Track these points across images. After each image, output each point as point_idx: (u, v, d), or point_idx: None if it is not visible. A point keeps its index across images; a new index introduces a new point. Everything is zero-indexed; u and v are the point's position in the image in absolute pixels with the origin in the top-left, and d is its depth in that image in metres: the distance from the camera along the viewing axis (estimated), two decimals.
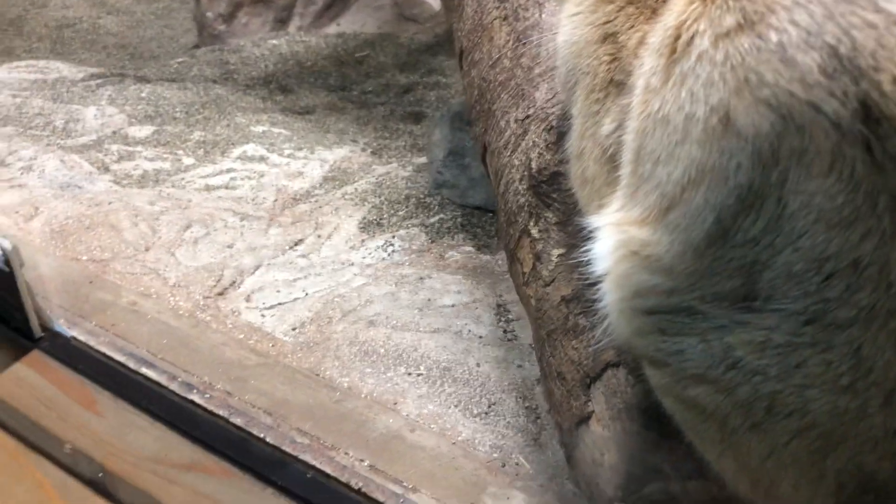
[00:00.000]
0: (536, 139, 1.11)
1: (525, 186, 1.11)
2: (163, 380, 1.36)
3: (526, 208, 1.11)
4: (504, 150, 1.17)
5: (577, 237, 0.89)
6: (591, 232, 0.84)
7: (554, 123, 1.08)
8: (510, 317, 1.55)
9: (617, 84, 0.85)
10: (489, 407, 1.34)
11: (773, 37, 0.65)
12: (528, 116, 1.14)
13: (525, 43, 1.20)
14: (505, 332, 1.52)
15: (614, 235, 0.79)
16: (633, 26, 0.85)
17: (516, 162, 1.14)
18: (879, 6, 0.63)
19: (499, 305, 1.58)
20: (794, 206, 0.66)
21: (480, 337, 1.50)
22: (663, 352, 0.79)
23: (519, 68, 1.20)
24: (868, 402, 0.70)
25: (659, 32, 0.75)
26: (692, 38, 0.70)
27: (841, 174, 0.64)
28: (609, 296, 0.81)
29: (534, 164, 1.10)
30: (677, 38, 0.71)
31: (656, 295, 0.77)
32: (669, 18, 0.74)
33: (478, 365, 1.43)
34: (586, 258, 0.85)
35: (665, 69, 0.72)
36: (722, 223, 0.70)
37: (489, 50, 1.27)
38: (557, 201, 1.07)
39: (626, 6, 0.87)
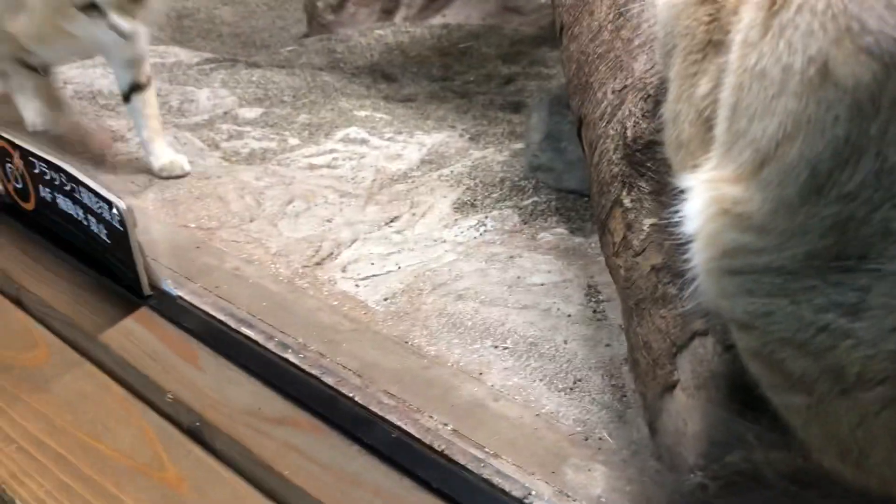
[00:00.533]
0: (633, 108, 1.10)
1: (619, 156, 1.11)
2: (260, 339, 1.42)
3: (619, 178, 1.10)
4: (599, 121, 1.17)
5: (669, 199, 0.88)
6: (683, 192, 0.83)
7: (651, 92, 1.08)
8: (601, 297, 1.54)
9: (715, 44, 0.84)
10: (574, 383, 1.34)
11: None
12: (625, 87, 1.14)
13: (625, 15, 1.20)
14: (595, 311, 1.51)
15: (706, 193, 0.78)
16: None
17: (611, 132, 1.14)
18: None
19: (589, 286, 1.58)
20: (894, 159, 0.64)
21: (569, 315, 1.50)
22: (751, 314, 0.78)
23: (618, 40, 1.20)
24: None
25: None
26: None
27: None
28: (698, 256, 0.81)
29: (629, 133, 1.09)
30: None
31: (746, 254, 0.76)
32: None
33: (565, 342, 1.43)
34: (677, 219, 0.84)
35: (764, 22, 0.71)
36: (817, 178, 0.68)
37: (589, 24, 1.27)
38: (651, 170, 1.06)
39: None
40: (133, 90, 2.03)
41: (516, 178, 2.05)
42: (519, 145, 2.27)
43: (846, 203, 0.68)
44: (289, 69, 2.99)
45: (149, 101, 2.04)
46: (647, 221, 1.05)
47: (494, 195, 1.98)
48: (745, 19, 0.75)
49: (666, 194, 0.97)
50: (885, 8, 0.62)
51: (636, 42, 1.14)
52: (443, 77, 3.07)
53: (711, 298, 0.82)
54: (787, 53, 0.68)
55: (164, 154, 2.06)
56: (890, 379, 0.72)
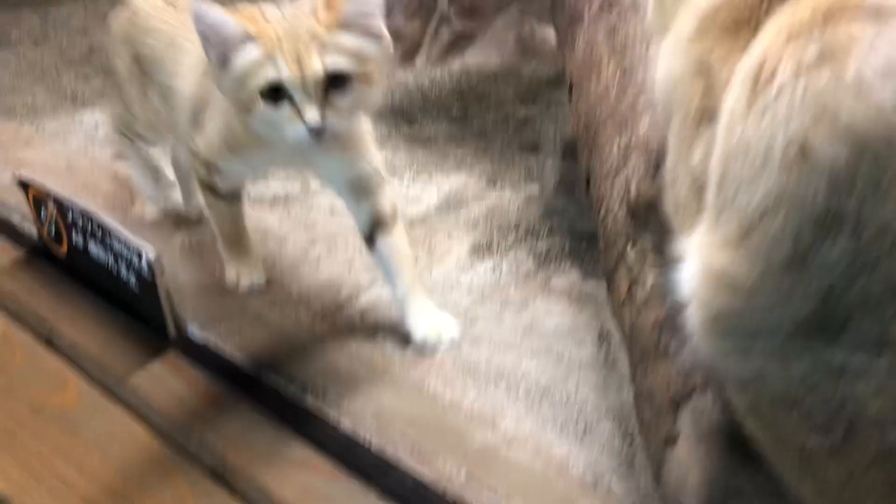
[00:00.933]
0: (637, 167, 1.15)
1: (624, 212, 1.15)
2: (281, 383, 1.47)
3: (624, 233, 1.15)
4: (606, 178, 1.22)
5: (668, 261, 0.93)
6: (679, 255, 0.88)
7: (653, 153, 1.13)
8: (612, 343, 1.58)
9: (709, 115, 0.89)
10: (585, 429, 1.38)
11: (851, 70, 0.68)
12: (629, 146, 1.19)
13: (630, 77, 1.26)
14: (606, 357, 1.55)
15: (699, 259, 0.83)
16: (725, 60, 0.89)
17: (617, 189, 1.19)
18: None
19: (601, 331, 1.61)
20: (871, 232, 0.69)
21: (581, 362, 1.54)
22: (744, 374, 0.82)
23: (624, 101, 1.25)
24: None
25: (745, 62, 0.79)
26: (775, 70, 0.74)
27: None
28: (694, 317, 0.85)
29: (633, 191, 1.14)
30: (761, 70, 0.75)
31: (737, 318, 0.80)
32: (756, 49, 0.78)
33: (577, 388, 1.47)
34: (675, 280, 0.89)
35: (749, 98, 0.76)
36: (799, 249, 0.73)
37: (596, 83, 1.33)
38: (654, 227, 1.11)
39: (722, 40, 0.91)
40: (375, 228, 1.59)
41: (531, 222, 2.09)
42: (535, 188, 2.32)
43: (828, 273, 0.72)
44: None
45: (397, 244, 1.60)
46: (651, 276, 1.09)
47: (510, 238, 2.02)
48: (732, 95, 0.80)
49: (667, 252, 1.01)
50: (856, 95, 0.67)
51: (640, 103, 1.20)
52: (462, 118, 3.14)
53: (708, 357, 0.86)
54: (770, 131, 0.73)
55: (425, 319, 1.57)
56: (875, 438, 0.75)
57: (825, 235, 0.71)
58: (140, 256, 1.56)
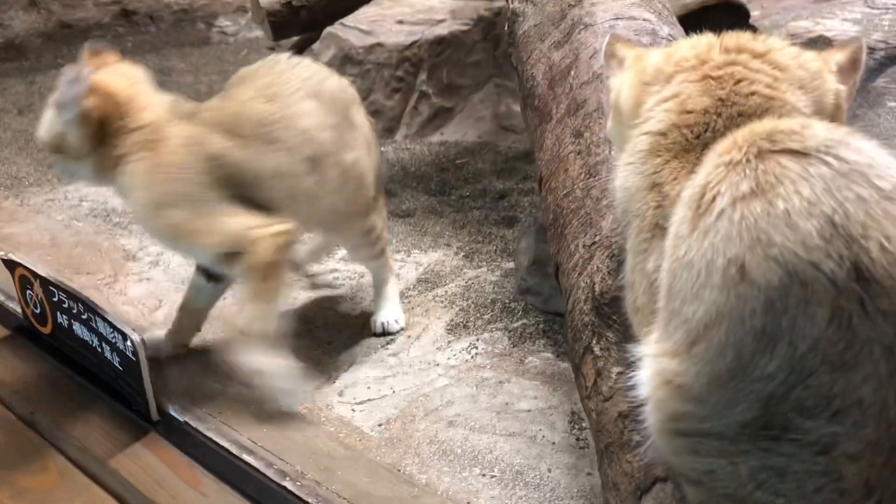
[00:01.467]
0: (600, 265, 1.22)
1: (589, 307, 1.22)
2: (261, 466, 1.51)
3: (590, 327, 1.22)
4: (572, 271, 1.29)
5: (628, 362, 0.99)
6: (636, 359, 0.94)
7: (615, 251, 1.20)
8: (583, 425, 1.63)
9: (661, 227, 0.96)
10: None
11: (781, 204, 0.76)
12: (594, 243, 1.27)
13: (595, 176, 1.34)
14: (578, 439, 1.60)
15: (651, 365, 0.89)
16: (675, 178, 0.97)
17: (582, 284, 1.25)
18: (872, 182, 0.74)
19: (573, 413, 1.67)
20: (803, 348, 0.75)
21: (553, 443, 1.59)
22: (697, 471, 0.88)
23: (589, 199, 1.33)
24: None
25: (689, 188, 0.87)
26: (715, 197, 0.81)
27: (840, 324, 0.73)
28: (650, 418, 0.91)
29: (597, 288, 1.21)
30: (703, 195, 0.83)
31: (688, 420, 0.86)
32: (699, 177, 0.86)
33: (549, 470, 1.51)
34: (633, 382, 0.95)
35: (692, 220, 0.84)
36: (741, 359, 0.79)
37: (564, 180, 1.41)
38: (617, 323, 1.17)
39: (670, 160, 0.99)
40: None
41: (507, 300, 2.16)
42: (510, 264, 2.39)
43: (767, 382, 0.78)
44: None
45: None
46: (615, 370, 1.15)
47: (486, 316, 2.09)
48: (678, 214, 0.88)
49: (625, 349, 1.08)
50: (785, 226, 0.75)
51: (604, 202, 1.28)
52: (440, 191, 3.23)
53: (664, 454, 0.92)
54: (710, 251, 0.80)
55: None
56: None
57: (763, 350, 0.78)
58: (125, 339, 1.60)
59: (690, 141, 0.97)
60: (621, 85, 1.11)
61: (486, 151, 3.54)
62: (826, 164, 0.77)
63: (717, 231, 0.80)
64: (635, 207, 1.02)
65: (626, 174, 1.04)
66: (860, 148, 0.79)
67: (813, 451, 0.78)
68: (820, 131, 0.81)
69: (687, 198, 0.87)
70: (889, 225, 0.73)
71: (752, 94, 0.96)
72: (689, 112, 0.99)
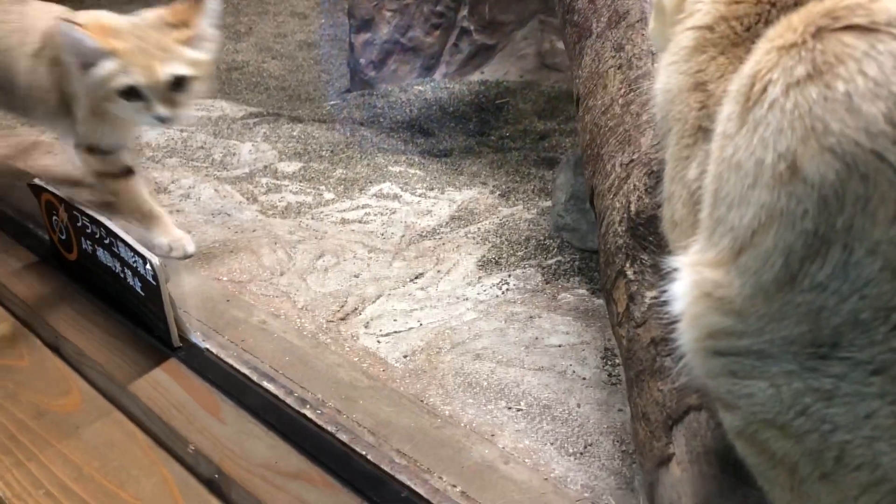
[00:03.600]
0: (637, 183, 1.14)
1: (624, 228, 1.14)
2: (280, 394, 1.46)
3: (623, 249, 1.13)
4: (608, 192, 1.21)
5: (664, 278, 0.91)
6: (672, 272, 0.86)
7: (654, 168, 1.11)
8: (616, 361, 1.56)
9: (704, 130, 0.87)
10: (585, 447, 1.36)
11: (841, 86, 0.66)
12: (632, 161, 1.17)
13: (636, 91, 1.24)
14: (609, 375, 1.53)
15: (690, 276, 0.81)
16: (722, 75, 0.87)
17: (617, 204, 1.17)
18: None
19: (606, 349, 1.59)
20: (860, 253, 0.67)
21: (584, 378, 1.52)
22: (734, 394, 0.80)
23: (628, 115, 1.23)
24: None
25: (737, 80, 0.78)
26: (766, 86, 0.72)
27: None
28: (684, 335, 0.83)
29: (633, 207, 1.13)
30: (752, 86, 0.74)
31: (727, 337, 0.78)
32: (747, 67, 0.76)
33: (578, 405, 1.45)
34: (667, 297, 0.87)
35: (740, 116, 0.75)
36: (790, 268, 0.71)
37: (602, 97, 1.31)
38: (653, 244, 1.09)
39: (717, 56, 0.89)
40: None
41: (542, 237, 2.08)
42: (548, 203, 2.30)
43: (818, 293, 0.70)
44: (329, 123, 3.09)
45: None
46: (649, 294, 1.07)
47: (519, 253, 2.01)
48: (725, 111, 0.78)
49: (663, 269, 0.99)
50: (845, 111, 0.65)
51: (644, 117, 1.18)
52: (479, 132, 3.14)
53: (698, 376, 0.84)
54: (760, 148, 0.71)
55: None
56: (866, 465, 0.73)
57: (815, 256, 0.69)
58: (145, 262, 1.56)
59: (740, 34, 0.88)
60: None
61: (528, 91, 3.43)
62: None
63: (767, 124, 0.71)
64: (676, 111, 0.92)
65: (667, 75, 0.95)
66: None
67: (867, 371, 0.70)
68: (892, 4, 0.70)
69: (734, 91, 0.77)
70: None
71: None
72: (739, 2, 0.89)
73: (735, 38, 0.88)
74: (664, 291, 0.87)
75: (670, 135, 0.95)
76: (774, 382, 0.76)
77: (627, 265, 1.12)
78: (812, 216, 0.68)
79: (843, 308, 0.69)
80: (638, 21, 1.31)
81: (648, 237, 1.09)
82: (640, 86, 1.23)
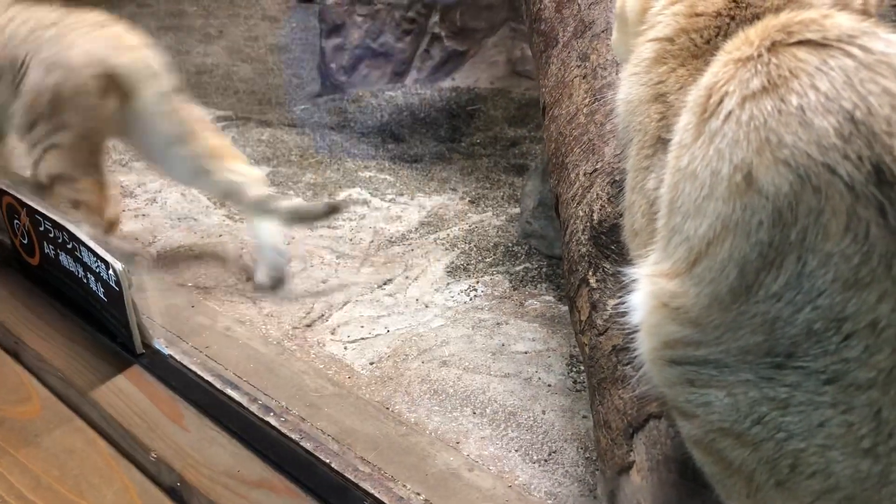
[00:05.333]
0: (600, 192, 1.14)
1: (587, 237, 1.14)
2: (244, 401, 1.45)
3: (586, 258, 1.14)
4: (572, 201, 1.21)
5: (622, 285, 0.92)
6: (631, 282, 0.86)
7: (617, 177, 1.12)
8: (581, 368, 1.56)
9: (664, 141, 0.88)
10: (549, 455, 1.36)
11: (794, 100, 0.67)
12: (595, 170, 1.18)
13: (600, 100, 1.25)
14: (575, 382, 1.53)
15: (648, 286, 0.81)
16: (682, 87, 0.88)
17: (581, 213, 1.17)
18: None
19: (571, 356, 1.60)
20: (813, 264, 0.67)
21: (549, 385, 1.52)
22: (692, 403, 0.81)
23: (592, 124, 1.24)
24: (890, 467, 0.70)
25: (694, 92, 0.79)
26: (722, 98, 0.73)
27: (856, 236, 0.65)
28: (643, 345, 0.84)
29: (595, 216, 1.13)
30: (709, 97, 0.74)
31: (684, 346, 0.78)
32: (705, 79, 0.77)
33: (543, 412, 1.45)
34: (626, 307, 0.87)
35: (696, 126, 0.75)
36: (745, 278, 0.71)
37: (568, 106, 1.32)
38: (615, 253, 1.10)
39: (677, 68, 0.90)
40: None
41: (510, 244, 2.08)
42: (517, 210, 2.31)
43: (773, 303, 0.70)
44: (299, 128, 3.08)
45: None
46: (611, 302, 1.08)
47: (487, 260, 2.02)
48: (682, 122, 0.79)
49: (623, 278, 1.00)
50: (798, 124, 0.66)
51: (608, 127, 1.19)
52: (450, 138, 3.14)
53: (657, 385, 0.85)
54: (716, 159, 0.72)
55: None
56: (820, 473, 0.74)
57: (769, 266, 0.70)
58: (108, 268, 1.54)
59: (700, 46, 0.89)
60: None
61: (499, 98, 3.44)
62: (848, 54, 0.68)
63: (723, 135, 0.72)
64: (637, 121, 0.93)
65: (628, 86, 0.95)
66: (889, 39, 0.70)
67: (820, 380, 0.70)
68: (843, 21, 0.72)
69: (692, 102, 0.78)
70: None
71: None
72: (699, 15, 0.90)
73: (695, 50, 0.89)
74: (623, 301, 0.88)
75: (631, 145, 0.96)
76: (731, 391, 0.77)
77: (590, 273, 1.12)
78: (767, 227, 0.69)
79: (797, 318, 0.70)
80: (603, 31, 1.32)
81: (611, 246, 1.10)
82: (605, 95, 1.24)
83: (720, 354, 0.76)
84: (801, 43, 0.70)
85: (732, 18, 0.88)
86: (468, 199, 2.44)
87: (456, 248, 2.07)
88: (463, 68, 3.52)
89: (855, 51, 0.68)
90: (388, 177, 2.59)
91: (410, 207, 2.35)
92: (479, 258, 2.01)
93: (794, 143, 0.66)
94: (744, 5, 0.88)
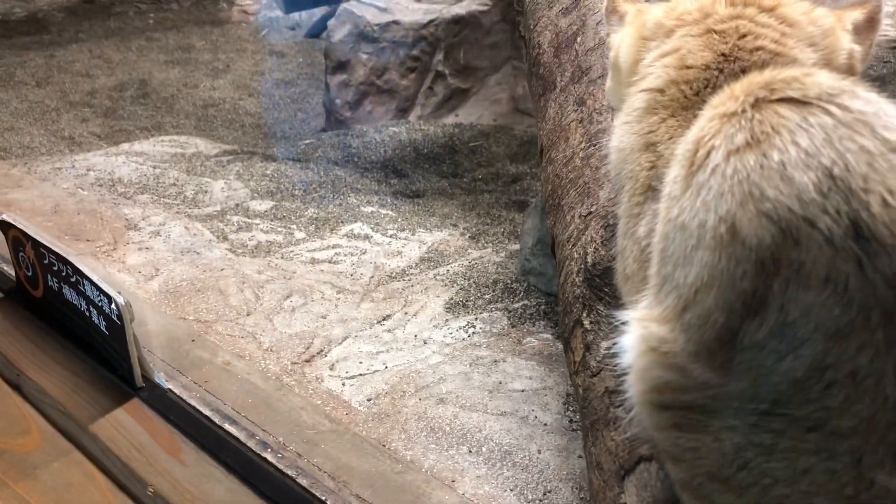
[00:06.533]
0: (594, 235, 1.16)
1: (581, 279, 1.16)
2: (242, 436, 1.46)
3: (581, 299, 1.16)
4: (567, 243, 1.23)
5: (615, 329, 0.93)
6: (622, 325, 0.88)
7: (611, 221, 1.14)
8: (577, 407, 1.57)
9: (654, 189, 0.90)
10: (544, 494, 1.37)
11: (776, 156, 0.69)
12: (590, 213, 1.21)
13: (596, 145, 1.28)
14: (570, 421, 1.54)
15: (638, 330, 0.83)
16: (671, 137, 0.91)
17: (576, 255, 1.19)
18: (878, 133, 0.67)
19: (567, 395, 1.61)
20: (795, 314, 0.69)
21: (545, 424, 1.53)
22: (679, 447, 0.82)
23: (588, 168, 1.27)
24: None
25: (683, 145, 0.81)
26: (709, 152, 0.75)
27: (836, 287, 0.67)
28: (632, 388, 0.85)
29: (590, 259, 1.15)
30: (696, 151, 0.77)
31: (672, 391, 0.80)
32: (692, 132, 0.80)
33: (539, 452, 1.46)
34: (617, 350, 0.89)
35: (685, 179, 0.78)
36: (730, 326, 0.73)
37: (564, 149, 1.35)
38: (609, 295, 1.11)
39: (667, 118, 0.93)
40: None
41: (510, 280, 2.10)
42: (516, 246, 2.33)
43: (757, 351, 0.72)
44: (303, 162, 3.11)
45: None
46: (604, 344, 1.09)
47: (487, 296, 2.03)
48: (672, 174, 0.82)
49: (615, 322, 1.02)
50: (780, 179, 0.68)
51: (603, 171, 1.21)
52: (453, 174, 3.18)
53: (646, 428, 0.86)
54: (703, 210, 0.74)
55: None
56: None
57: (753, 315, 0.71)
58: (111, 302, 1.56)
59: (689, 98, 0.91)
60: (621, 41, 1.05)
61: (501, 135, 3.49)
62: (828, 113, 0.70)
63: (709, 188, 0.74)
64: (628, 169, 0.96)
65: (621, 133, 0.98)
66: (868, 98, 0.72)
67: (803, 428, 0.72)
68: (824, 79, 0.74)
69: (680, 156, 0.80)
70: (894, 178, 0.66)
71: (758, 49, 0.90)
72: (689, 67, 0.92)
73: (685, 101, 0.92)
74: (615, 343, 0.89)
75: (623, 192, 0.98)
76: (717, 437, 0.78)
77: (584, 315, 1.14)
78: (750, 277, 0.71)
79: (781, 367, 0.71)
80: (599, 77, 1.35)
81: (604, 288, 1.12)
82: (600, 140, 1.26)
83: (706, 400, 0.78)
84: (783, 100, 0.73)
85: (721, 71, 0.91)
86: (469, 234, 2.47)
87: (455, 285, 2.09)
88: (466, 105, 3.57)
89: (834, 109, 0.70)
90: (389, 212, 2.62)
91: (411, 243, 2.38)
92: (478, 294, 2.03)
93: (775, 196, 0.68)
94: (732, 59, 0.91)
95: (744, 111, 0.74)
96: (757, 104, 0.74)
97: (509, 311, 1.95)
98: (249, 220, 2.50)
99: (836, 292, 0.67)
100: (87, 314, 1.68)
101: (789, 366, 0.71)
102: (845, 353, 0.68)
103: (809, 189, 0.67)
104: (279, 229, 2.46)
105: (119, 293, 1.54)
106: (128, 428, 1.51)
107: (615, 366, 0.91)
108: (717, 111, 0.77)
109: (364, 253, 2.30)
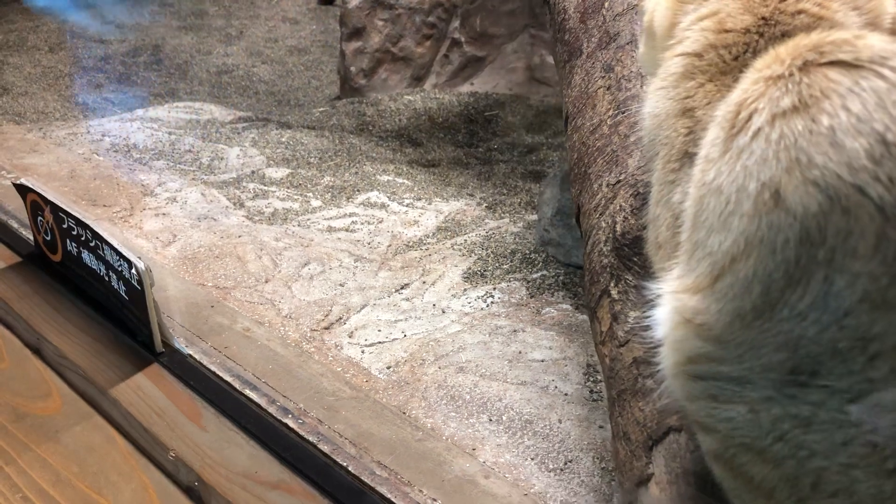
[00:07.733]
0: (623, 203, 1.15)
1: (609, 248, 1.15)
2: (263, 402, 1.46)
3: (608, 269, 1.14)
4: (594, 212, 1.22)
5: (645, 300, 0.92)
6: (654, 296, 0.87)
7: (641, 190, 1.12)
8: (598, 377, 1.57)
9: (691, 156, 0.88)
10: (565, 464, 1.36)
11: (825, 121, 0.67)
12: (618, 181, 1.19)
13: (624, 112, 1.25)
14: (591, 391, 1.54)
15: (671, 302, 0.82)
16: (709, 102, 0.88)
17: (603, 224, 1.18)
18: None
19: (588, 365, 1.60)
20: (840, 284, 0.68)
21: (566, 394, 1.52)
22: (714, 418, 0.81)
23: (616, 135, 1.25)
24: None
25: (723, 107, 0.79)
26: (751, 115, 0.73)
27: (885, 257, 0.65)
28: (666, 360, 0.84)
29: (618, 227, 1.14)
30: (738, 113, 0.75)
31: (707, 362, 0.79)
32: (734, 95, 0.78)
33: (560, 421, 1.45)
34: (650, 322, 0.88)
35: (724, 142, 0.76)
36: (769, 296, 0.72)
37: (591, 117, 1.33)
38: (638, 264, 1.10)
39: (705, 83, 0.90)
40: None
41: (528, 251, 2.09)
42: (534, 216, 2.32)
43: (797, 322, 0.71)
44: (318, 130, 3.09)
45: None
46: (632, 314, 1.08)
47: (505, 266, 2.02)
48: (709, 136, 0.80)
49: (646, 291, 1.00)
50: (829, 145, 0.66)
51: (632, 139, 1.19)
52: (468, 143, 3.15)
53: (678, 399, 0.85)
54: (743, 175, 0.72)
55: None
56: (842, 491, 0.74)
57: (795, 285, 0.70)
58: (131, 266, 1.56)
59: (728, 62, 0.89)
60: (656, 4, 1.02)
61: (517, 104, 3.45)
62: (880, 76, 0.68)
63: (751, 152, 0.72)
64: (664, 135, 0.93)
65: (655, 100, 0.96)
66: None
67: (844, 399, 0.71)
68: (875, 42, 0.72)
69: (720, 118, 0.78)
70: None
71: (799, 12, 0.87)
72: (727, 31, 0.90)
73: (723, 66, 0.89)
74: (647, 316, 0.88)
75: (657, 159, 0.96)
76: (753, 408, 0.77)
77: (612, 285, 1.13)
78: (793, 246, 0.69)
79: (823, 338, 0.70)
80: (628, 43, 1.32)
81: (633, 258, 1.11)
82: (629, 107, 1.24)
83: (743, 371, 0.76)
84: (832, 63, 0.71)
85: (761, 35, 0.88)
86: (485, 204, 2.45)
87: (473, 254, 2.08)
88: (482, 74, 3.53)
89: (887, 72, 0.68)
90: (405, 181, 2.60)
91: (428, 212, 2.36)
92: (496, 265, 2.02)
93: (824, 163, 0.66)
94: (773, 23, 0.88)
95: (791, 74, 0.72)
96: (805, 67, 0.72)
97: (528, 282, 1.94)
98: (266, 188, 2.49)
99: (884, 262, 0.65)
100: (107, 279, 1.67)
101: (832, 336, 0.69)
102: (892, 324, 0.66)
103: (861, 155, 0.65)
104: (295, 197, 2.45)
105: (139, 258, 1.53)
106: (148, 393, 1.52)
107: (647, 337, 0.89)
108: (762, 74, 0.75)
109: (381, 222, 2.29)
